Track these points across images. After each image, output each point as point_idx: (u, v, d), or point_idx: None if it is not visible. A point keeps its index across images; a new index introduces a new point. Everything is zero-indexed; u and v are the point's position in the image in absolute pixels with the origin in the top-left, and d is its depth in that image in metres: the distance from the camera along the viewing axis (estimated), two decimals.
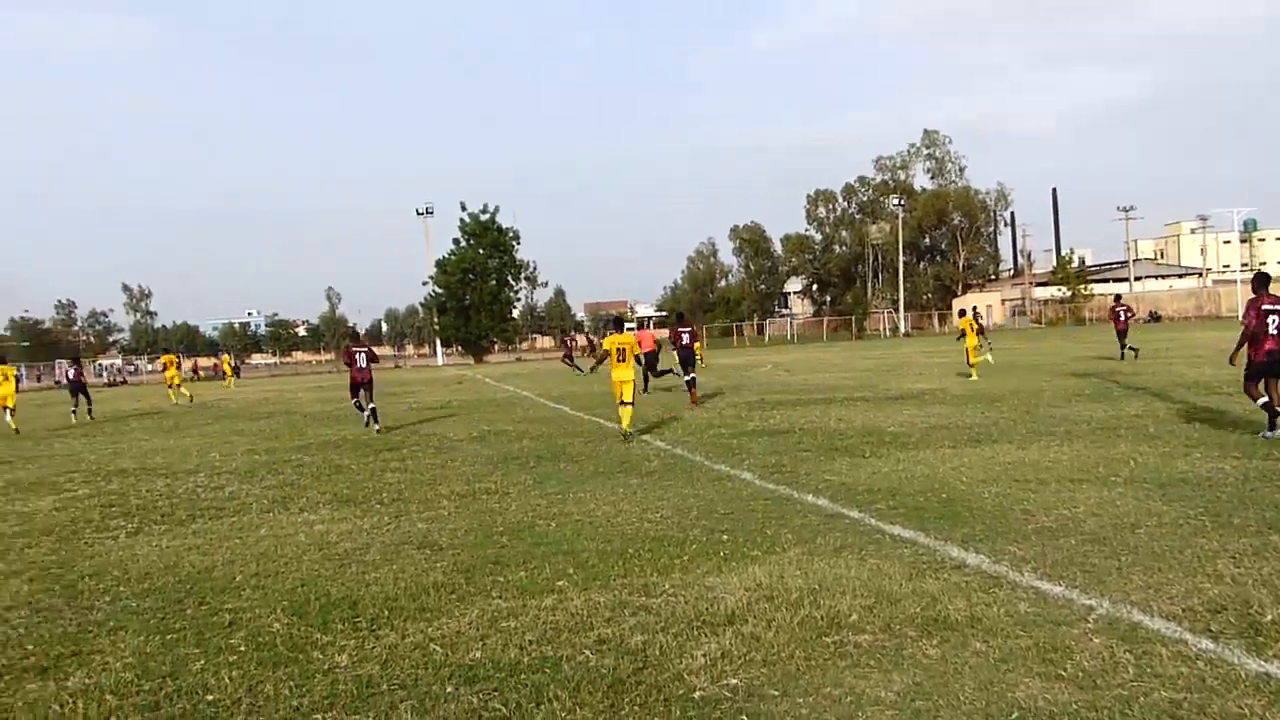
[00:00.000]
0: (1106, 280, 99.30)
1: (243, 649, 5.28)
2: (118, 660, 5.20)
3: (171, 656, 5.22)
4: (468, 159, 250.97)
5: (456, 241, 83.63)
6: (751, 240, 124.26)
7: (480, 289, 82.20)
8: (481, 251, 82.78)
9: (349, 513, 9.39)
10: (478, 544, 7.62)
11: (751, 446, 12.53)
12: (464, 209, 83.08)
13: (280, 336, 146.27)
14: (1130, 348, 26.59)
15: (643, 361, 24.10)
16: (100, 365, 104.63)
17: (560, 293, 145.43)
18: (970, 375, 23.36)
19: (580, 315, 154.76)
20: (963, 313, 30.58)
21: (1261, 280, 11.40)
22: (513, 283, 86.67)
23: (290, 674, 4.85)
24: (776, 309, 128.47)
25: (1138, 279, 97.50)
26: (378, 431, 17.63)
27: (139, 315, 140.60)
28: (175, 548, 8.15)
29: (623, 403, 14.51)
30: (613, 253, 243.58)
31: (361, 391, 18.48)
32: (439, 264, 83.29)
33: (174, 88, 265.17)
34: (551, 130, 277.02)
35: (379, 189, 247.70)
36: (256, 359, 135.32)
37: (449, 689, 4.56)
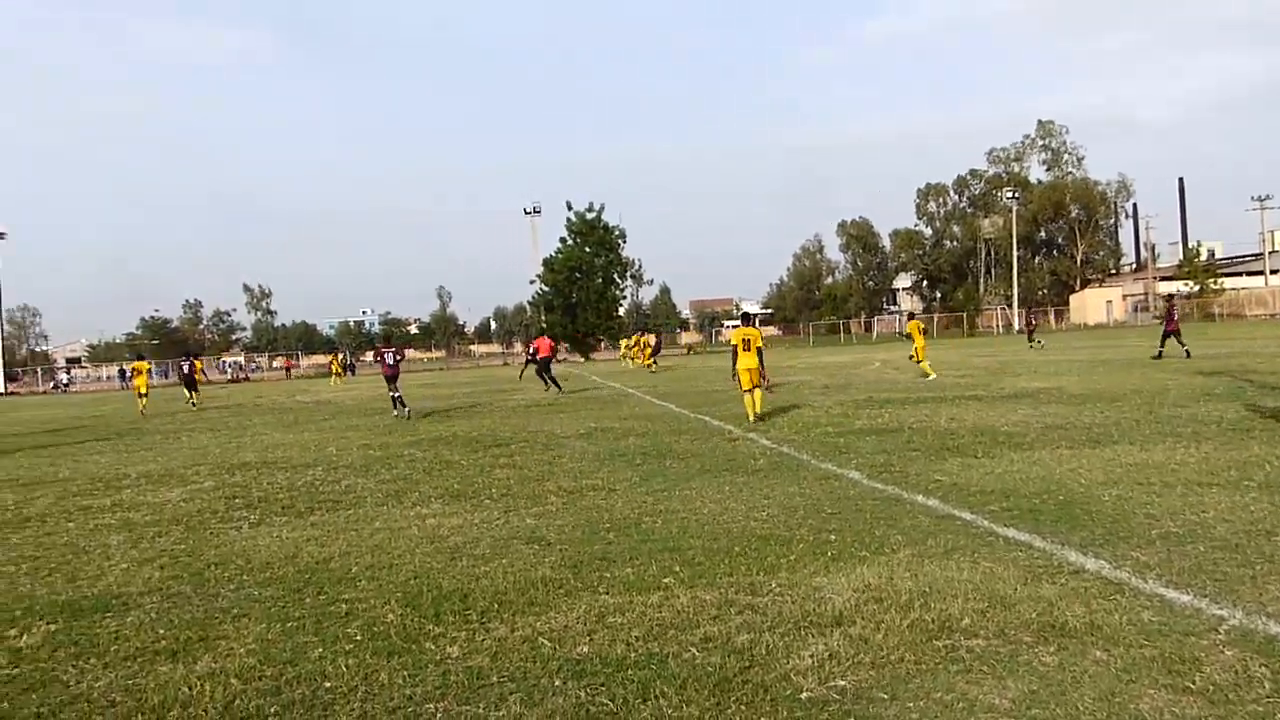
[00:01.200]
0: (1239, 274, 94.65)
1: (359, 638, 5.44)
2: (242, 646, 5.42)
3: (291, 644, 5.41)
4: (575, 157, 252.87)
5: (563, 240, 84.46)
6: (859, 236, 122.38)
7: (586, 287, 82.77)
8: (588, 250, 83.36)
9: (460, 507, 9.59)
10: (585, 540, 7.70)
11: (859, 445, 12.36)
12: (570, 208, 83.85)
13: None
14: (1183, 345, 27.53)
15: (540, 364, 29.22)
16: (224, 362, 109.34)
17: (665, 290, 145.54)
18: (929, 375, 24.93)
19: (685, 313, 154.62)
20: (911, 316, 33.35)
21: None
22: (619, 280, 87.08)
23: (404, 663, 4.98)
24: (885, 306, 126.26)
25: (1274, 271, 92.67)
26: (408, 416, 21.75)
27: (259, 314, 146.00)
28: (295, 539, 8.45)
29: (748, 390, 16.09)
30: (718, 250, 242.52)
31: (389, 383, 22.80)
32: (546, 262, 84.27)
33: (287, 93, 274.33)
34: (658, 127, 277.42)
35: (489, 188, 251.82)
36: (370, 356, 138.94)
37: (557, 682, 4.61)
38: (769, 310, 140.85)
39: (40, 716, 4.55)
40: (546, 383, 28.82)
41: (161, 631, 5.80)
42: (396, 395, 22.47)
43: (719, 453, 12.55)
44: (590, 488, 10.31)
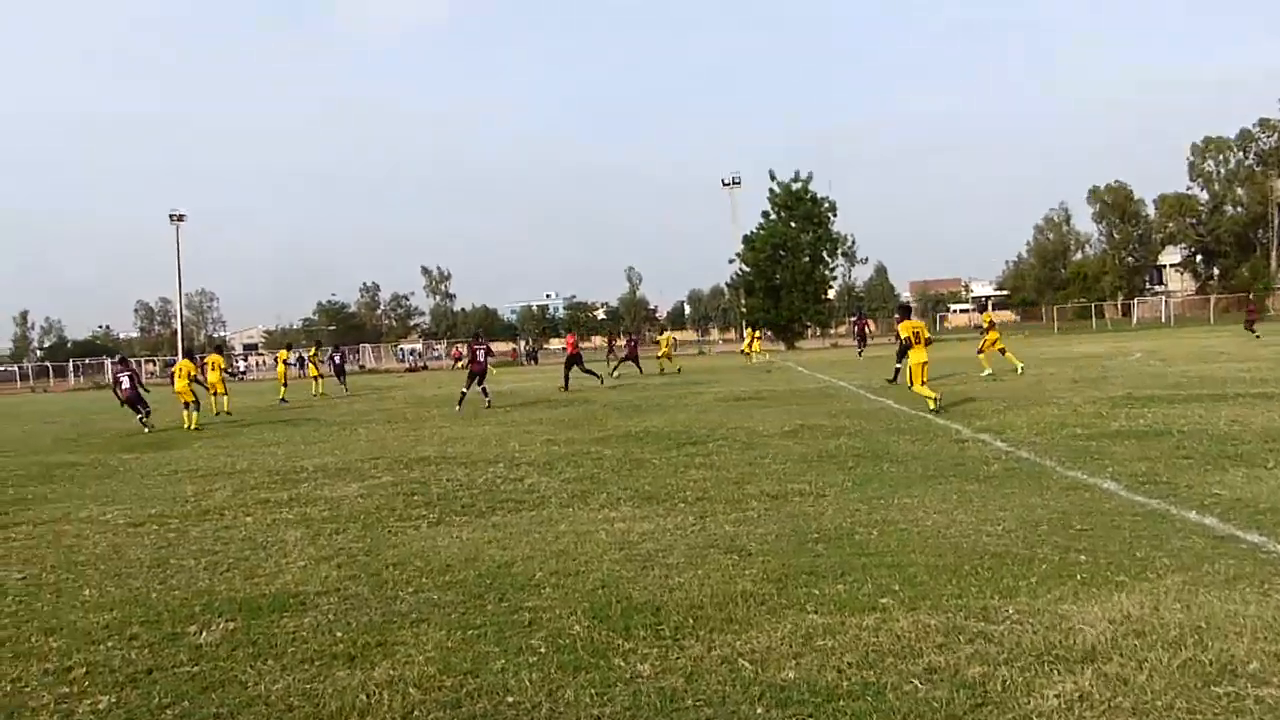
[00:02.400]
0: None
1: (543, 650, 5.61)
2: (420, 654, 5.68)
3: (472, 653, 5.64)
4: (778, 124, 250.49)
5: (765, 214, 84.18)
6: (1115, 203, 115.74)
7: (792, 266, 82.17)
8: (793, 225, 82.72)
9: (651, 511, 9.73)
10: (790, 551, 7.67)
11: (1115, 450, 11.76)
12: (773, 178, 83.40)
13: (578, 320, 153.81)
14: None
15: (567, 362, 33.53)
16: (401, 350, 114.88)
17: (882, 270, 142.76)
18: (984, 371, 26.90)
19: (905, 294, 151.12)
20: (983, 308, 35.15)
21: None
22: (828, 259, 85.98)
23: (591, 680, 5.10)
24: (1147, 285, 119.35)
25: None
26: (487, 405, 25.59)
27: (438, 298, 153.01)
28: (475, 540, 8.80)
29: (922, 382, 17.77)
30: (945, 224, 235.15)
31: (475, 379, 26.03)
32: (746, 240, 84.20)
33: (464, 65, 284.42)
34: (872, 89, 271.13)
35: (683, 159, 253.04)
36: (555, 343, 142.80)
37: (759, 710, 4.62)
38: (1004, 292, 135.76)
39: (219, 717, 4.92)
40: (566, 381, 32.49)
41: (339, 634, 6.16)
42: (483, 386, 26.21)
43: (944, 456, 12.23)
44: (796, 492, 10.25)
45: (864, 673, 4.99)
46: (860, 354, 46.68)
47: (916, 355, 17.62)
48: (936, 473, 10.99)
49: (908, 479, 10.70)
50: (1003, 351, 27.90)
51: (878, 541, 7.83)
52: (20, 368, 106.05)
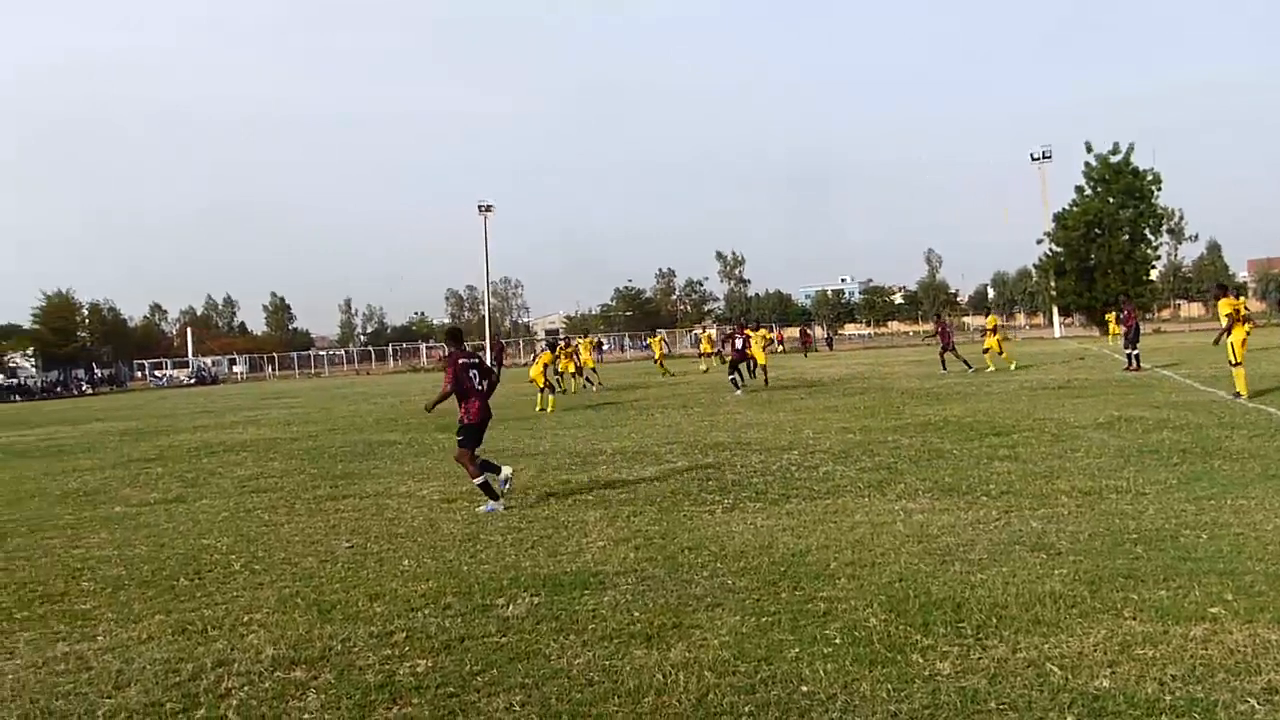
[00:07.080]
0: None
1: (838, 641, 5.60)
2: (715, 638, 5.80)
3: (766, 640, 5.70)
4: (1098, 89, 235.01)
5: (1080, 189, 79.53)
6: None
7: (1108, 245, 77.32)
8: (1111, 200, 77.71)
9: (951, 503, 9.48)
10: (1104, 551, 7.27)
11: None
12: (1089, 150, 78.61)
13: (875, 304, 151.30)
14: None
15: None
16: (694, 335, 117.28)
17: (1214, 247, 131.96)
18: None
19: (1242, 275, 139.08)
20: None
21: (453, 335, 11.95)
22: (1151, 237, 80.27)
23: (887, 675, 5.04)
24: None
25: None
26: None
27: (733, 283, 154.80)
28: (769, 527, 8.87)
29: (1237, 364, 17.92)
30: None
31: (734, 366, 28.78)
32: (1057, 218, 79.89)
33: (739, 46, 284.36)
34: (1208, 44, 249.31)
35: (990, 133, 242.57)
36: (850, 329, 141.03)
37: (1069, 719, 4.41)
38: None
39: (525, 687, 5.22)
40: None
41: (636, 614, 6.38)
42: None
43: None
44: (1112, 489, 9.71)
45: (1190, 687, 4.66)
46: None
47: (1236, 334, 18.01)
48: (1279, 472, 10.09)
49: (1243, 478, 9.88)
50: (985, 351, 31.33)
51: (1207, 545, 7.29)
52: (346, 351, 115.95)
